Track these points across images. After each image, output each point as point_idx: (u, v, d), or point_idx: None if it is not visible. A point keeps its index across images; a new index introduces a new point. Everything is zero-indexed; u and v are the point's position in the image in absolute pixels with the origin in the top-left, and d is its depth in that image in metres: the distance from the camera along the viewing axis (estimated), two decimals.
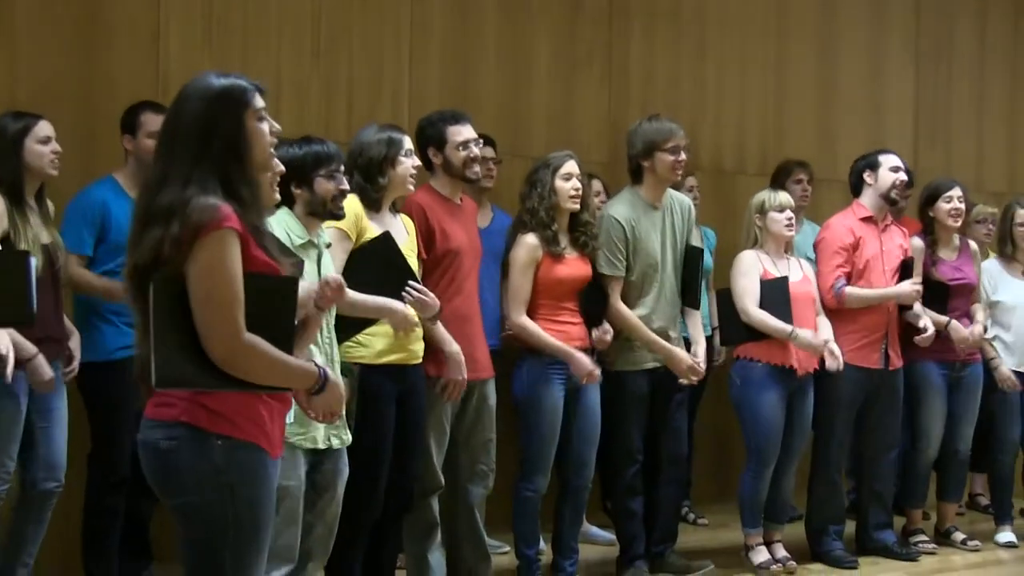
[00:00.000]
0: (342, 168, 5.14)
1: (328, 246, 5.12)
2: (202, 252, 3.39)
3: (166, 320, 3.42)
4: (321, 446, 4.93)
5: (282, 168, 4.23)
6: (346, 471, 5.10)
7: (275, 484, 3.69)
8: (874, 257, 7.31)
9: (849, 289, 7.16)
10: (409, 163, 5.59)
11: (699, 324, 6.90)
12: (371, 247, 5.36)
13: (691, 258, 6.78)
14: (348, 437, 5.08)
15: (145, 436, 3.57)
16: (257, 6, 7.31)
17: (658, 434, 6.78)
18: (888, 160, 7.41)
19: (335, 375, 3.83)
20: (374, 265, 5.30)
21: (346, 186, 5.17)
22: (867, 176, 7.43)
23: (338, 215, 5.14)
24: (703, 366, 6.74)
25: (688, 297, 6.80)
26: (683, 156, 6.64)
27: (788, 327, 6.77)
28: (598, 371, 6.31)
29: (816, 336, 6.86)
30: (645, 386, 6.66)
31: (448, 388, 5.76)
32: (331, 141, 5.35)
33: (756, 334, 6.87)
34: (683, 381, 6.67)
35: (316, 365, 3.69)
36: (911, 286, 7.15)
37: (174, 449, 3.50)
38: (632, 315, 6.53)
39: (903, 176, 7.40)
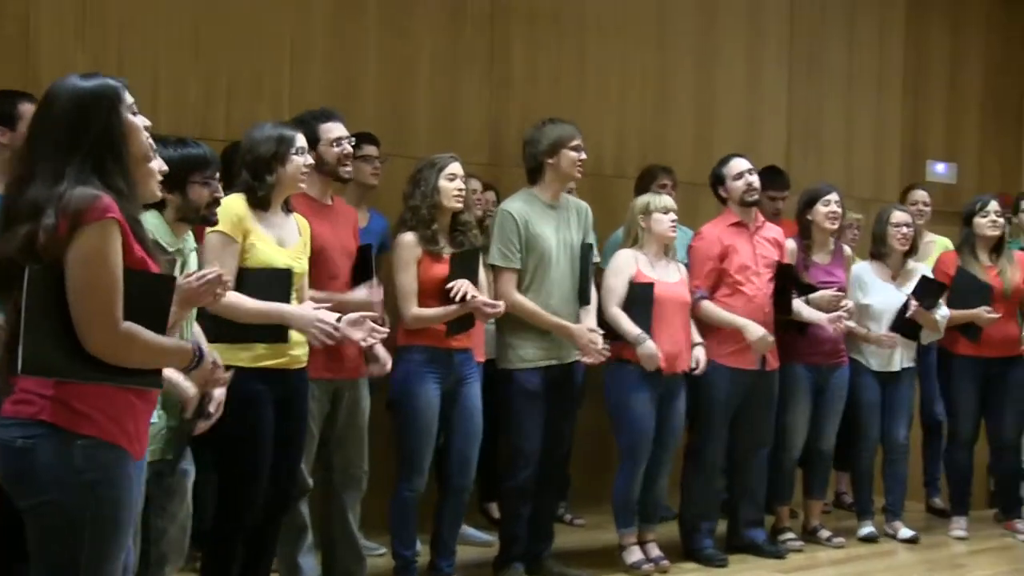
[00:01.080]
0: (217, 175, 4.95)
1: (194, 250, 4.97)
2: (83, 242, 3.36)
3: (39, 309, 3.39)
4: (168, 456, 4.79)
5: (166, 168, 4.15)
6: (193, 472, 4.95)
7: (135, 484, 3.63)
8: (746, 262, 7.32)
9: (704, 304, 7.21)
10: (300, 161, 5.42)
11: (594, 318, 6.77)
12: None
13: (584, 256, 6.76)
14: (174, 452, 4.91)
15: (0, 434, 3.46)
16: (132, 3, 7.11)
17: (545, 438, 6.68)
18: (731, 169, 7.44)
19: (208, 349, 3.84)
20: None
21: (220, 193, 5.01)
22: (720, 190, 7.49)
23: (211, 222, 5.00)
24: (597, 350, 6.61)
25: (582, 294, 6.74)
26: (584, 155, 6.70)
27: (635, 331, 6.74)
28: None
29: (658, 350, 6.75)
30: (539, 384, 6.58)
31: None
32: (209, 140, 5.26)
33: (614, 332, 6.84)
34: (588, 359, 6.61)
35: (190, 343, 3.78)
36: (761, 330, 7.13)
37: (31, 448, 3.42)
38: (529, 302, 6.48)
39: (749, 178, 7.38)
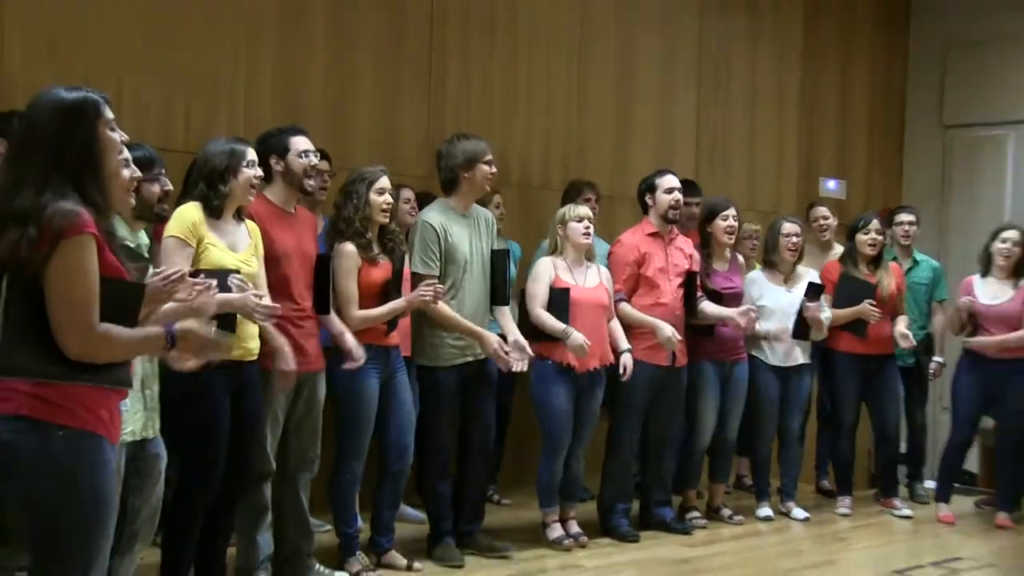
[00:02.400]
0: (163, 171, 5.04)
1: (147, 246, 5.02)
2: (62, 255, 3.34)
3: (17, 316, 3.40)
4: (138, 437, 4.83)
5: (140, 174, 4.27)
6: (165, 455, 5.00)
7: (114, 467, 3.64)
8: (661, 269, 7.39)
9: (623, 306, 7.28)
10: (251, 173, 5.42)
11: (510, 319, 6.84)
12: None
13: (497, 260, 6.78)
14: (156, 426, 4.99)
15: None
16: (98, 21, 7.03)
17: (469, 424, 6.78)
18: (664, 183, 7.49)
19: (180, 325, 3.76)
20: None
21: (169, 187, 5.10)
22: (648, 198, 7.53)
23: (163, 216, 5.08)
24: (519, 355, 6.62)
25: (496, 296, 6.77)
26: (495, 169, 6.75)
27: (562, 326, 6.81)
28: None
29: (585, 340, 6.78)
30: (455, 381, 6.64)
31: (278, 379, 5.58)
32: (170, 151, 5.46)
33: (542, 334, 6.86)
34: (500, 366, 6.61)
35: (159, 327, 3.71)
36: (669, 331, 7.17)
37: (13, 440, 3.40)
38: (447, 309, 6.45)
39: (677, 196, 7.46)
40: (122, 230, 4.52)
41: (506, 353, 6.53)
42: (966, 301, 8.17)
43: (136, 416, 4.75)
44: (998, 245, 8.24)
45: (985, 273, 8.30)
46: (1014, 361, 8.10)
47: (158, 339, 3.65)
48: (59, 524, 3.47)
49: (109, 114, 3.58)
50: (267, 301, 5.15)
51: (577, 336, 6.78)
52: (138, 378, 4.77)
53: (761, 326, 7.85)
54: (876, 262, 8.35)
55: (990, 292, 8.22)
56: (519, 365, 6.59)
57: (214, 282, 4.28)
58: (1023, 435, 8.30)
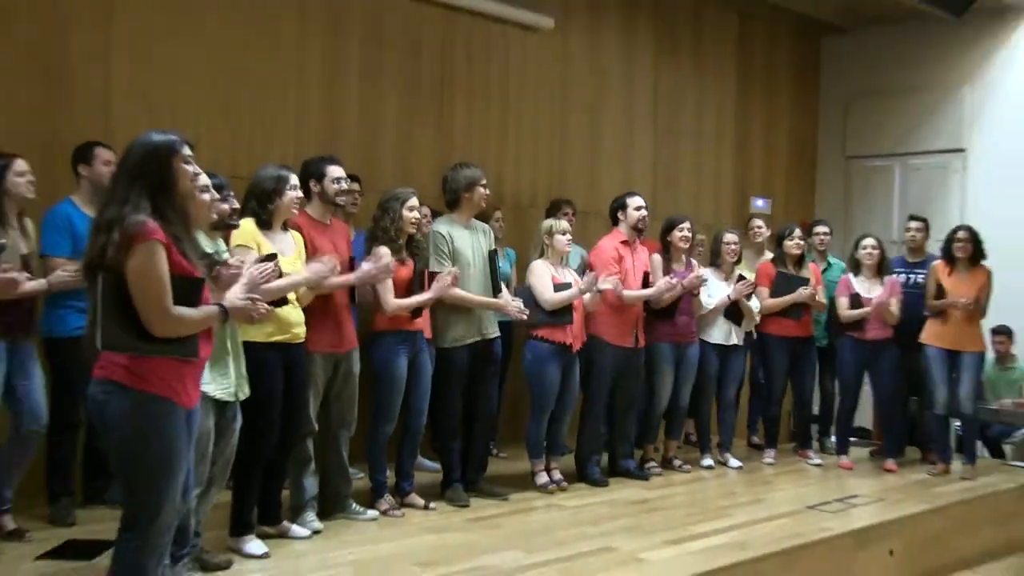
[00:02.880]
0: (232, 193, 5.03)
1: (226, 251, 4.96)
2: (135, 257, 3.50)
3: (110, 303, 3.53)
4: (228, 398, 4.81)
5: (216, 196, 4.50)
6: (240, 419, 4.95)
7: (182, 427, 3.71)
8: (630, 268, 7.42)
9: (625, 292, 7.27)
10: (293, 194, 5.47)
11: (507, 294, 6.89)
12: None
13: (491, 259, 6.77)
14: (245, 393, 4.95)
15: (90, 390, 3.65)
16: (184, 77, 7.05)
17: (476, 394, 6.75)
18: (633, 202, 7.53)
19: (230, 301, 3.94)
20: None
21: (236, 205, 5.11)
22: (620, 214, 7.53)
23: (233, 226, 5.10)
24: (520, 312, 6.74)
25: (494, 287, 6.76)
26: (488, 191, 6.79)
27: (577, 290, 6.92)
28: None
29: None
30: (465, 359, 6.62)
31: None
32: (237, 177, 5.36)
33: (549, 316, 6.87)
34: (513, 317, 6.77)
35: (215, 305, 3.82)
36: (659, 288, 7.36)
37: (108, 401, 3.57)
38: (461, 291, 6.50)
39: (644, 212, 7.51)
40: (202, 238, 4.51)
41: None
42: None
43: (225, 383, 4.76)
44: (861, 252, 8.30)
45: (856, 273, 8.32)
46: (881, 340, 8.18)
47: (216, 314, 3.78)
48: (135, 467, 3.62)
49: (186, 151, 3.74)
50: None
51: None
52: (230, 355, 4.84)
53: (706, 304, 7.92)
54: (799, 263, 8.39)
55: (865, 287, 8.24)
56: (520, 315, 6.72)
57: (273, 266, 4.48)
58: (895, 397, 8.42)
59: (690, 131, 10.77)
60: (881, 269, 8.28)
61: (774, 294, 8.27)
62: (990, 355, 9.17)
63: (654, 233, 8.01)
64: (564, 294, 6.88)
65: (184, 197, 3.74)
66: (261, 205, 5.40)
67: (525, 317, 6.76)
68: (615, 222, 7.56)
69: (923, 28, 11.06)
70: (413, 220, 6.25)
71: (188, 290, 3.65)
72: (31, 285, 5.14)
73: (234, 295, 3.96)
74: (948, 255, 8.11)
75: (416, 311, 6.23)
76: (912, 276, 8.44)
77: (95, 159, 5.92)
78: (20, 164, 5.35)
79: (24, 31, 6.42)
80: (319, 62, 7.82)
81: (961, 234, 8.11)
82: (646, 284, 7.47)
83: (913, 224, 8.65)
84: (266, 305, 4.15)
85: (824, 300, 8.40)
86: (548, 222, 7.22)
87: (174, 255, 3.58)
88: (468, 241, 6.65)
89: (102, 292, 3.54)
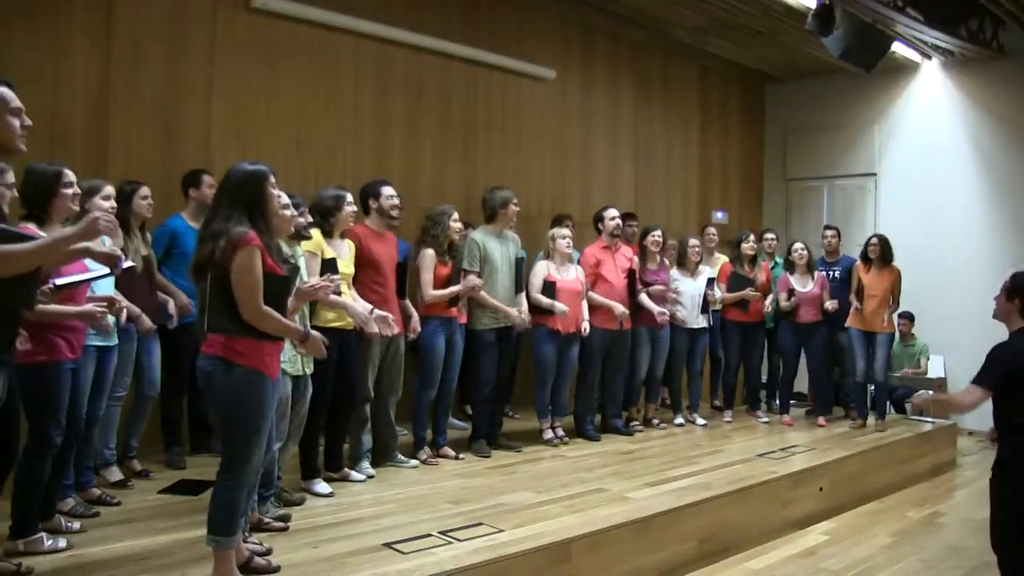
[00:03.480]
0: (306, 210, 5.00)
1: (302, 256, 4.92)
2: (239, 259, 3.51)
3: (216, 296, 3.56)
4: (298, 372, 4.77)
5: (295, 212, 4.49)
6: (311, 388, 4.94)
7: (269, 393, 3.69)
8: (610, 268, 7.31)
9: (591, 294, 7.18)
10: (349, 209, 5.45)
11: (524, 301, 6.76)
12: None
13: (518, 265, 6.71)
14: (310, 369, 4.90)
15: (199, 363, 3.60)
16: (267, 121, 7.03)
17: (498, 368, 6.65)
18: (608, 213, 7.44)
19: (314, 333, 3.86)
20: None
21: (310, 218, 5.08)
22: (600, 224, 7.45)
23: (307, 237, 5.02)
24: (526, 319, 6.68)
25: (517, 286, 6.70)
26: (518, 208, 6.78)
27: (549, 302, 6.78)
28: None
29: (564, 308, 6.80)
30: (493, 339, 6.56)
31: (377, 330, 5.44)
32: (307, 197, 5.24)
33: (539, 309, 6.82)
34: (518, 329, 6.68)
35: (302, 326, 3.85)
36: (620, 308, 7.20)
37: (213, 372, 3.58)
38: (485, 296, 6.45)
39: (617, 221, 7.43)
40: (284, 246, 4.46)
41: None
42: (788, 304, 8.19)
43: (296, 362, 4.71)
44: (793, 254, 8.29)
45: (791, 272, 8.29)
46: (814, 323, 8.19)
47: (297, 333, 3.77)
48: (233, 424, 3.62)
49: (272, 178, 3.74)
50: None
51: (559, 306, 6.76)
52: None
53: (677, 309, 7.85)
54: (752, 262, 8.36)
55: (799, 282, 8.21)
56: (525, 325, 6.66)
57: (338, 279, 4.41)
58: (824, 368, 8.40)
59: (662, 158, 10.67)
60: (810, 266, 8.28)
61: (729, 290, 8.24)
62: (896, 335, 9.14)
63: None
64: (542, 300, 6.78)
65: (272, 213, 3.74)
66: (324, 219, 5.35)
67: (528, 327, 6.71)
68: (598, 231, 7.46)
69: (843, 79, 11.10)
70: (457, 230, 6.27)
71: (277, 286, 3.64)
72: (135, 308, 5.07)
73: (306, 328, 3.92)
74: (865, 257, 8.10)
75: (452, 301, 6.18)
76: (831, 272, 8.45)
77: (202, 183, 5.92)
78: (144, 190, 5.36)
79: (149, 84, 6.42)
80: (371, 110, 7.74)
81: (873, 240, 8.12)
82: (631, 279, 7.37)
83: (828, 232, 8.70)
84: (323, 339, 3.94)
85: (767, 296, 8.36)
86: (553, 229, 7.15)
87: (266, 259, 3.58)
88: (498, 249, 6.57)
89: (211, 286, 3.55)
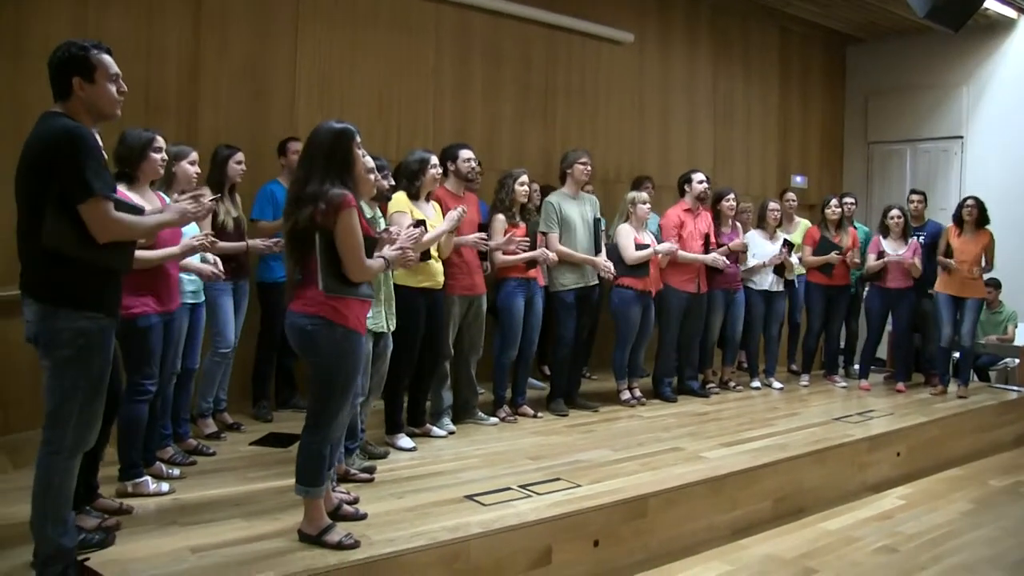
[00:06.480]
0: (388, 173, 5.09)
1: (382, 217, 5.03)
2: (343, 220, 3.53)
3: (325, 257, 3.57)
4: (380, 330, 4.87)
5: (378, 177, 4.49)
6: (391, 345, 5.03)
7: (363, 351, 3.81)
8: (691, 231, 7.29)
9: (680, 252, 7.14)
10: (433, 172, 5.49)
11: (604, 257, 6.72)
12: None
13: (595, 226, 6.68)
14: (393, 327, 5.00)
15: (294, 321, 3.66)
16: (349, 87, 7.16)
17: (577, 329, 6.68)
18: (696, 176, 7.36)
19: (390, 255, 3.90)
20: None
21: (392, 182, 5.16)
22: (686, 187, 7.37)
23: (388, 198, 5.13)
24: (609, 271, 6.65)
25: (597, 247, 6.67)
26: (589, 168, 6.69)
27: (651, 251, 6.84)
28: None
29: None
30: (572, 300, 6.57)
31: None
32: (386, 159, 5.28)
33: (631, 268, 6.80)
34: (604, 275, 6.65)
35: (383, 259, 3.83)
36: (713, 257, 7.24)
37: (315, 331, 3.60)
38: (567, 248, 6.48)
39: (706, 185, 7.35)
40: (365, 207, 4.56)
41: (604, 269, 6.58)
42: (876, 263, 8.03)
43: (378, 319, 4.81)
44: (889, 220, 8.11)
45: (885, 236, 8.12)
46: (902, 289, 8.01)
47: (384, 266, 3.81)
48: (329, 381, 3.66)
49: (358, 137, 3.73)
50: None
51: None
52: (390, 300, 4.95)
53: (750, 262, 7.81)
54: (838, 226, 8.25)
55: (891, 247, 8.04)
56: (608, 273, 6.63)
57: (422, 230, 4.36)
58: (908, 335, 8.28)
59: (741, 122, 10.55)
60: (905, 232, 8.09)
61: (815, 253, 8.11)
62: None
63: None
64: (642, 253, 6.79)
65: (359, 176, 3.74)
66: (410, 181, 5.43)
67: (612, 276, 6.68)
68: (682, 193, 7.41)
69: (929, 39, 10.78)
70: (523, 192, 6.24)
71: (370, 247, 3.69)
72: (230, 245, 5.29)
73: (387, 251, 3.94)
74: (958, 219, 7.93)
75: (529, 263, 6.21)
76: (917, 236, 8.23)
77: (288, 151, 6.13)
78: (239, 155, 5.53)
79: (237, 51, 6.59)
80: (451, 75, 7.81)
81: (969, 201, 7.91)
82: (707, 244, 7.32)
83: (915, 196, 8.48)
84: (415, 256, 4.13)
85: (858, 259, 8.24)
86: (632, 193, 7.09)
87: (361, 219, 3.61)
88: (575, 209, 6.56)
89: (320, 248, 3.57)
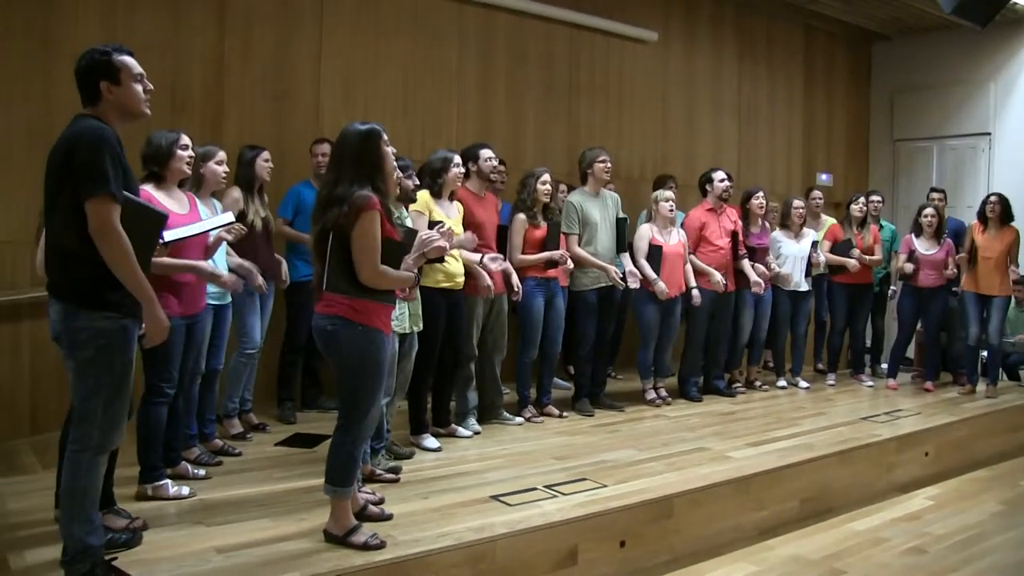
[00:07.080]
0: (413, 172, 5.06)
1: (408, 217, 4.99)
2: (361, 223, 3.52)
3: (336, 258, 3.58)
4: (406, 332, 4.88)
5: (402, 174, 4.46)
6: (416, 345, 5.05)
7: (387, 350, 3.77)
8: (714, 231, 7.23)
9: (692, 258, 7.11)
10: (456, 171, 5.50)
11: (628, 259, 6.69)
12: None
13: (620, 225, 6.64)
14: (419, 327, 5.02)
15: (317, 323, 3.67)
16: (373, 88, 7.17)
17: (600, 329, 6.66)
18: (718, 175, 7.30)
19: (408, 266, 3.81)
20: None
21: (417, 182, 5.12)
22: (708, 186, 7.32)
23: (413, 200, 5.09)
24: (625, 279, 6.51)
25: (619, 247, 6.65)
26: (609, 165, 6.63)
27: (652, 275, 6.70)
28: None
29: (665, 288, 6.71)
30: (594, 299, 6.54)
31: (480, 289, 5.65)
32: (413, 159, 5.27)
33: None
34: (619, 285, 6.52)
35: (411, 274, 3.80)
36: (718, 276, 7.10)
37: (336, 330, 3.61)
38: (584, 252, 6.42)
39: (727, 184, 7.28)
40: (392, 208, 4.56)
41: (622, 278, 6.45)
42: (907, 266, 7.92)
43: (402, 320, 4.82)
44: (923, 219, 8.01)
45: (918, 235, 8.02)
46: (935, 288, 7.92)
47: (409, 280, 3.77)
48: (355, 379, 3.66)
49: (386, 137, 3.71)
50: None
51: (661, 285, 6.69)
52: (416, 301, 4.97)
53: (778, 268, 7.69)
54: (862, 224, 8.18)
55: (924, 246, 7.94)
56: (633, 285, 6.51)
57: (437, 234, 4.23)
58: (937, 334, 8.19)
59: (766, 120, 10.49)
60: (939, 232, 7.99)
61: (833, 251, 8.04)
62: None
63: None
64: (646, 271, 6.67)
65: (388, 176, 3.71)
66: (432, 180, 5.42)
67: (636, 287, 6.54)
68: (704, 193, 7.36)
69: (955, 35, 10.65)
70: (545, 192, 6.19)
71: (394, 250, 3.65)
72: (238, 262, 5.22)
73: (406, 262, 3.88)
74: (982, 216, 7.85)
75: (548, 263, 6.16)
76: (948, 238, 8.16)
77: (315, 152, 6.18)
78: (266, 154, 5.52)
79: (261, 53, 6.62)
80: (474, 75, 7.82)
81: (992, 198, 7.84)
82: (735, 241, 7.27)
83: (935, 195, 8.44)
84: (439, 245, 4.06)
85: (879, 257, 8.17)
86: (656, 192, 7.05)
87: (385, 223, 3.58)
88: (597, 209, 6.52)
89: (332, 249, 3.57)
